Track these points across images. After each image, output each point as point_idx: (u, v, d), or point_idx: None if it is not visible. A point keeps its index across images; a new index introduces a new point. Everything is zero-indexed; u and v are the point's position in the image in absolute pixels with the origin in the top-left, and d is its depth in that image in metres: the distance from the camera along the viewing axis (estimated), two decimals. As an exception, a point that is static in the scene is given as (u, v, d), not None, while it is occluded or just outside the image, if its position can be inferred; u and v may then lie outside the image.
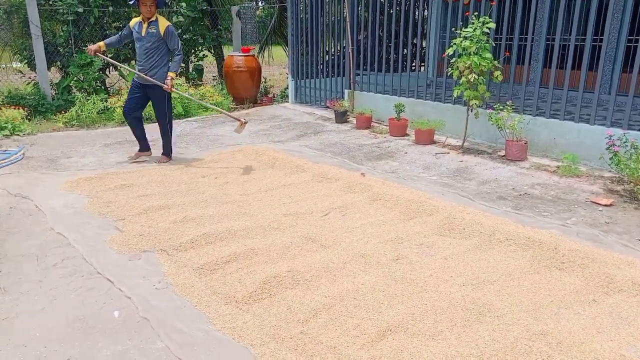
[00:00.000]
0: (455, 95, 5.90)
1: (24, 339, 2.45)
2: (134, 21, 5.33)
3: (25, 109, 7.31)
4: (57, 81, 8.65)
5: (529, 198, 4.44)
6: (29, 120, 7.24)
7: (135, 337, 2.49)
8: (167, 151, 5.66)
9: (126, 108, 5.52)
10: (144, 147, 5.71)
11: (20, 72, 8.96)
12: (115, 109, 7.76)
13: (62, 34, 8.17)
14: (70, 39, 8.28)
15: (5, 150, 5.83)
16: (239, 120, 5.65)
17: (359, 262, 3.23)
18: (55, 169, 5.29)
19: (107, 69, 9.19)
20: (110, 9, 8.59)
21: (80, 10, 8.21)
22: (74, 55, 8.23)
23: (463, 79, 5.59)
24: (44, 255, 3.34)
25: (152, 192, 4.54)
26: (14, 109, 6.96)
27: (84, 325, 2.58)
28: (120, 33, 5.44)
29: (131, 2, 5.24)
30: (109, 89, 9.05)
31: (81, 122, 7.44)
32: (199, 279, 3.05)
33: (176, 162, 5.57)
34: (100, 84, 8.64)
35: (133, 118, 5.50)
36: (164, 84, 5.27)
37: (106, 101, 7.99)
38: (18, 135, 6.58)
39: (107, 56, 5.28)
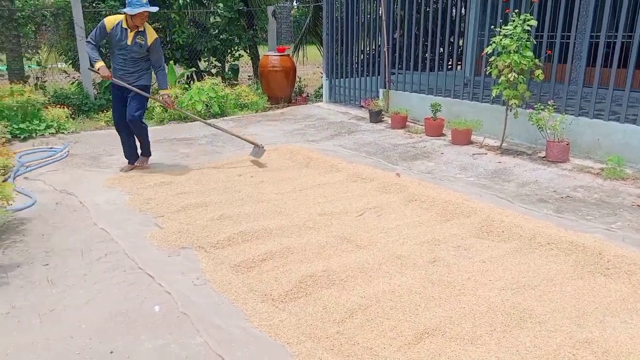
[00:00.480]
0: (493, 95, 5.77)
1: (71, 331, 2.54)
2: (111, 23, 4.76)
3: (70, 107, 7.57)
4: (99, 81, 8.93)
5: (571, 201, 4.31)
6: (73, 118, 7.50)
7: (175, 331, 2.55)
8: (147, 152, 5.36)
9: (117, 118, 5.10)
10: (136, 155, 5.33)
11: (65, 72, 9.30)
12: (154, 107, 7.95)
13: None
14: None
15: (52, 148, 6.06)
16: (256, 145, 5.58)
17: (395, 264, 3.21)
18: (98, 166, 5.47)
19: (147, 69, 9.41)
20: (151, 10, 8.80)
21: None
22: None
23: (502, 78, 5.46)
24: (88, 249, 3.46)
25: (190, 190, 4.63)
26: (59, 107, 7.22)
27: (126, 319, 2.65)
28: (94, 41, 4.82)
29: (132, 14, 4.64)
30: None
31: (122, 121, 7.64)
32: (236, 276, 3.10)
33: (213, 161, 5.66)
34: (140, 84, 8.86)
35: (124, 126, 5.10)
36: (163, 100, 5.16)
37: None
38: (63, 133, 6.83)
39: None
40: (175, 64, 9.36)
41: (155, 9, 4.82)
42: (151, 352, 2.38)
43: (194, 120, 7.92)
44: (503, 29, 5.45)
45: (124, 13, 4.72)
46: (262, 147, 5.57)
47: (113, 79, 4.86)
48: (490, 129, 6.35)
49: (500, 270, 3.13)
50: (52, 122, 6.87)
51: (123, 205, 4.29)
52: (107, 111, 7.91)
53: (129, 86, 4.88)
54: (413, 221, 3.92)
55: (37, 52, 8.48)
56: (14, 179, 4.89)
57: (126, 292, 2.91)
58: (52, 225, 3.86)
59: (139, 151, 5.34)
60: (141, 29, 4.82)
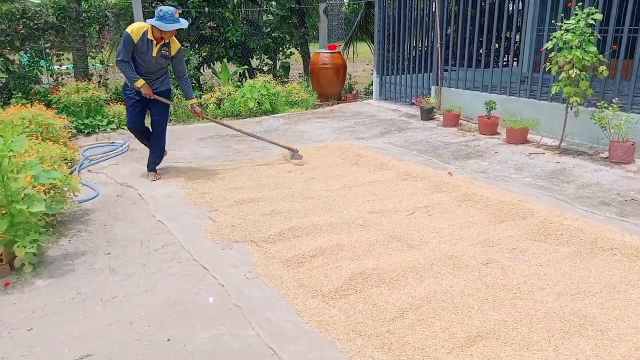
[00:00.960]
0: (553, 92, 5.53)
1: (131, 317, 2.67)
2: (137, 35, 4.48)
3: (129, 104, 7.90)
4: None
5: (636, 204, 4.07)
6: (132, 115, 7.82)
7: (228, 322, 2.62)
8: (155, 162, 5.07)
9: (134, 123, 4.89)
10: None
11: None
12: (208, 105, 8.17)
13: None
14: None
15: (113, 143, 6.36)
16: (291, 149, 5.52)
17: (446, 264, 3.15)
18: (155, 160, 5.67)
19: (202, 67, 9.69)
20: (206, 9, 9.05)
21: (179, 11, 8.72)
22: (172, 54, 8.77)
23: (563, 74, 5.23)
24: (147, 240, 3.61)
25: (242, 185, 4.73)
26: (121, 104, 7.56)
27: (182, 308, 2.75)
28: (127, 57, 4.52)
29: (164, 30, 4.43)
30: (202, 86, 9.54)
31: (178, 118, 7.91)
32: (286, 271, 3.14)
33: (264, 157, 5.75)
34: (195, 82, 9.13)
35: (143, 132, 5.02)
36: (192, 109, 5.02)
37: (200, 97, 8.43)
38: (123, 128, 7.14)
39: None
40: (228, 62, 9.57)
41: (186, 24, 4.62)
42: (206, 342, 2.46)
43: (245, 118, 8.09)
44: (565, 23, 5.21)
45: (152, 25, 4.48)
46: (297, 152, 5.52)
47: (154, 95, 4.72)
48: (548, 127, 6.10)
49: (558, 274, 3.01)
50: (113, 117, 7.21)
51: (179, 198, 4.44)
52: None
53: (161, 98, 4.78)
54: (465, 221, 3.84)
55: (100, 51, 8.90)
56: (78, 171, 5.16)
57: (182, 283, 3.01)
58: (113, 217, 4.05)
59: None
60: (166, 41, 4.62)
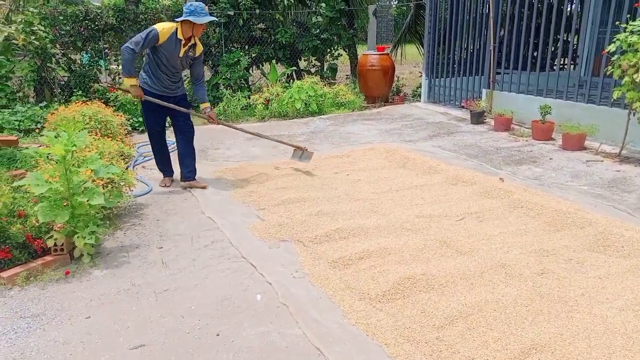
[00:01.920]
0: (614, 97, 5.27)
1: (182, 310, 2.73)
2: (166, 34, 4.28)
3: (181, 103, 8.14)
4: (207, 79, 9.50)
5: None
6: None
7: (276, 321, 2.64)
8: (195, 170, 4.84)
9: (158, 128, 4.68)
10: (170, 165, 4.95)
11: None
12: (257, 105, 8.30)
13: (214, 35, 8.93)
14: (221, 40, 9.03)
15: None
16: (299, 148, 5.31)
17: (498, 273, 3.05)
18: (205, 158, 5.82)
19: (251, 68, 9.85)
20: (257, 11, 9.19)
21: (231, 13, 8.92)
22: (224, 55, 8.97)
23: (626, 78, 4.97)
24: (197, 236, 3.70)
25: (289, 185, 4.77)
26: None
27: (230, 304, 2.80)
28: (138, 49, 4.23)
29: (199, 23, 4.31)
30: (251, 86, 9.70)
31: (227, 117, 8.08)
32: (333, 272, 3.13)
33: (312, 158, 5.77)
34: (244, 82, 9.30)
35: (160, 134, 4.75)
36: (207, 115, 4.78)
37: (249, 98, 8.58)
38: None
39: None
40: (277, 63, 9.68)
41: (215, 19, 4.92)
42: (253, 339, 2.49)
43: (292, 118, 8.16)
44: (630, 25, 4.95)
45: (184, 21, 4.31)
46: (306, 150, 5.30)
47: (146, 97, 4.44)
48: (608, 134, 5.82)
49: (619, 288, 2.86)
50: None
51: (228, 196, 4.52)
52: (213, 107, 8.40)
53: (174, 106, 4.56)
54: (518, 229, 3.71)
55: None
56: (133, 167, 5.36)
57: (230, 279, 3.06)
58: (165, 212, 4.17)
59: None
60: (194, 41, 4.49)
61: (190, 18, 4.28)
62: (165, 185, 4.81)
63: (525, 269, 3.07)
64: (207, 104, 4.82)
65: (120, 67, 4.33)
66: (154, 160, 4.92)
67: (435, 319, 2.59)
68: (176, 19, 4.40)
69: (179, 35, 4.37)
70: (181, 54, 4.44)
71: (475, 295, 2.80)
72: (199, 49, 4.60)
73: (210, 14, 4.81)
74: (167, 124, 4.84)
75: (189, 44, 4.46)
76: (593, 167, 5.16)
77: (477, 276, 3.02)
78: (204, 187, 4.74)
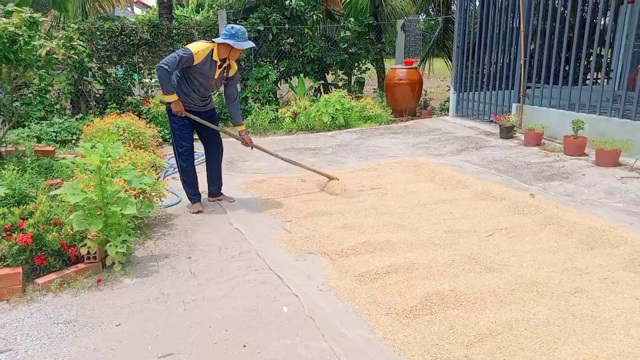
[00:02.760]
0: (651, 112, 5.13)
1: (209, 321, 2.76)
2: (201, 56, 4.11)
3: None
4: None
5: None
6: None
7: (302, 334, 2.63)
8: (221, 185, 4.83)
9: (188, 145, 4.45)
10: (199, 192, 4.71)
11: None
12: (284, 118, 8.39)
13: (244, 50, 9.10)
14: (251, 55, 9.20)
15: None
16: (331, 178, 5.04)
17: (529, 290, 2.98)
18: (234, 170, 5.90)
19: (279, 82, 9.98)
20: (287, 26, 9.34)
21: (261, 28, 9.08)
22: (253, 69, 9.13)
23: (663, 93, 4.83)
24: (224, 247, 3.74)
25: (316, 198, 4.78)
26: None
27: (257, 315, 2.81)
28: (171, 69, 4.07)
29: (239, 48, 4.15)
30: (279, 100, 9.82)
31: (255, 130, 8.19)
32: (359, 286, 3.12)
33: (337, 171, 5.79)
34: (272, 95, 9.43)
35: (193, 155, 4.56)
36: (242, 138, 4.60)
37: (277, 111, 8.68)
38: (204, 139, 7.50)
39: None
40: (305, 77, 9.78)
41: (254, 44, 4.40)
42: (279, 351, 2.49)
43: (319, 132, 8.20)
44: (667, 38, 4.83)
45: (220, 44, 4.17)
46: (336, 179, 5.03)
47: (187, 113, 4.33)
48: (644, 150, 5.65)
49: (657, 310, 2.75)
50: (195, 128, 7.58)
51: (255, 208, 4.56)
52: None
53: (205, 122, 4.45)
54: (550, 246, 3.62)
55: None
56: (164, 178, 5.47)
57: (258, 290, 3.08)
58: (194, 222, 4.24)
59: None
60: (229, 62, 4.33)
61: (230, 42, 4.11)
62: (198, 212, 4.46)
63: (557, 288, 2.99)
64: (243, 127, 4.67)
65: (159, 84, 4.20)
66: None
67: (464, 337, 2.54)
68: (214, 40, 4.22)
69: (215, 57, 4.19)
70: (216, 76, 4.29)
71: (506, 313, 2.74)
72: (234, 69, 4.44)
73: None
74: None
75: (224, 66, 4.32)
76: (628, 184, 5.01)
77: (507, 293, 2.95)
78: (231, 200, 4.76)
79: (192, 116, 4.38)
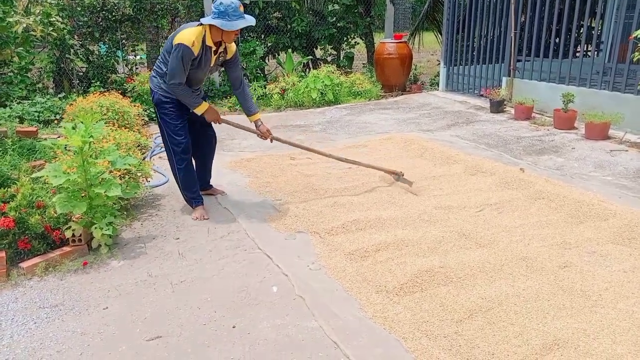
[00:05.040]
0: (641, 85, 5.11)
1: (198, 302, 2.73)
2: (197, 46, 3.42)
3: (197, 94, 8.16)
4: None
5: None
6: (200, 104, 8.06)
7: (292, 313, 2.62)
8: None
9: (187, 147, 3.78)
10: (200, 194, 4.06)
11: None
12: (273, 95, 8.26)
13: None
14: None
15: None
16: (395, 173, 4.47)
17: (519, 266, 2.99)
18: (222, 149, 5.79)
19: (267, 57, 9.80)
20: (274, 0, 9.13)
21: (247, 2, 8.86)
22: (240, 44, 8.93)
23: (654, 65, 4.80)
24: (213, 227, 3.69)
25: (305, 175, 4.73)
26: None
27: (247, 296, 2.78)
28: (185, 74, 3.47)
29: (230, 30, 3.41)
30: (267, 76, 9.66)
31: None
32: (349, 264, 3.10)
33: (327, 148, 5.72)
34: (260, 71, 9.26)
35: (190, 152, 3.86)
36: (259, 131, 3.91)
37: (264, 87, 8.54)
38: (191, 117, 7.37)
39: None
40: (293, 52, 9.61)
41: (253, 20, 3.52)
42: (269, 331, 2.47)
43: (308, 108, 8.09)
44: (659, 8, 4.77)
45: (210, 26, 3.46)
46: (402, 175, 4.47)
47: (222, 120, 3.87)
48: (633, 123, 5.65)
49: (645, 283, 2.77)
50: (182, 106, 7.44)
51: (243, 187, 4.51)
52: (229, 97, 8.39)
53: (241, 125, 3.92)
54: (539, 221, 3.62)
55: (171, 42, 9.21)
56: (150, 158, 5.38)
57: (247, 271, 3.05)
58: (181, 202, 4.17)
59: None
60: (227, 44, 3.67)
61: (217, 23, 3.37)
62: (204, 218, 3.84)
63: (546, 262, 3.00)
64: (258, 116, 3.91)
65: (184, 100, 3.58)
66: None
67: (454, 313, 2.54)
68: (202, 21, 3.49)
69: (208, 42, 3.49)
70: (212, 64, 3.63)
71: (496, 289, 2.74)
72: (231, 50, 3.73)
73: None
74: None
75: (220, 50, 3.63)
76: (617, 157, 5.01)
77: (497, 269, 2.96)
78: (222, 194, 4.30)
79: (229, 122, 3.83)
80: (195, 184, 3.95)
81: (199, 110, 3.66)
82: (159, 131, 3.99)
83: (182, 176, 3.87)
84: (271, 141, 4.00)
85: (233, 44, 3.73)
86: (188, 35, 3.41)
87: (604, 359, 2.18)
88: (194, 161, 3.98)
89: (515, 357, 2.21)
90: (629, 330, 2.36)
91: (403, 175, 4.46)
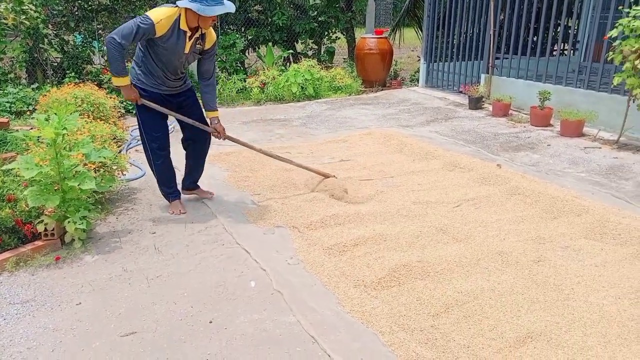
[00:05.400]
0: (615, 84, 5.21)
1: (175, 297, 2.70)
2: (165, 25, 3.23)
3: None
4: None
5: None
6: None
7: (269, 308, 2.61)
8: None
9: (163, 143, 3.70)
10: (177, 188, 3.97)
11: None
12: (253, 88, 8.19)
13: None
14: (217, 22, 8.87)
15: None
16: (327, 176, 4.25)
17: (494, 260, 3.03)
18: (200, 142, 5.73)
19: (247, 51, 9.71)
20: (253, -8, 9.04)
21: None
22: (219, 37, 8.83)
23: (627, 64, 4.90)
24: (190, 221, 3.65)
25: (284, 170, 4.70)
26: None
27: (224, 290, 2.76)
28: (128, 42, 3.19)
29: (206, 15, 3.24)
30: (247, 69, 9.58)
31: (222, 101, 7.98)
32: (328, 258, 3.10)
33: (307, 142, 5.71)
34: (240, 65, 9.17)
35: (168, 148, 3.78)
36: (213, 128, 3.74)
37: (244, 81, 8.47)
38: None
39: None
40: (273, 46, 9.55)
41: (232, 7, 3.38)
42: (247, 326, 2.46)
43: (288, 102, 8.06)
44: (633, 9, 4.87)
45: (187, 9, 3.26)
46: (334, 177, 4.27)
47: (143, 100, 3.49)
48: (607, 121, 5.78)
49: (615, 276, 2.84)
50: (160, 99, 7.32)
51: (222, 181, 4.47)
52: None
53: (180, 116, 3.67)
54: (515, 216, 3.68)
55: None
56: (126, 150, 5.28)
57: (225, 265, 3.03)
58: (158, 196, 4.10)
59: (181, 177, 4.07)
60: (204, 31, 3.47)
61: (193, 7, 3.20)
62: (180, 212, 3.77)
63: (521, 257, 3.05)
64: (217, 114, 3.76)
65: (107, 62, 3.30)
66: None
67: (431, 307, 2.57)
68: (177, 3, 3.29)
69: (182, 26, 3.30)
70: (187, 50, 3.41)
71: (471, 283, 2.77)
72: (211, 39, 3.54)
73: None
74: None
75: (196, 36, 3.42)
76: (591, 154, 5.12)
77: (473, 264, 2.99)
78: (210, 196, 4.08)
79: (157, 107, 3.52)
80: (172, 178, 3.88)
81: (116, 81, 3.35)
82: (135, 124, 3.86)
83: (159, 171, 3.80)
84: (223, 139, 3.84)
85: (213, 33, 3.59)
86: (159, 12, 3.23)
87: (575, 351, 2.23)
88: (187, 160, 3.95)
89: (489, 349, 2.24)
90: (598, 322, 2.41)
91: (335, 177, 4.27)
